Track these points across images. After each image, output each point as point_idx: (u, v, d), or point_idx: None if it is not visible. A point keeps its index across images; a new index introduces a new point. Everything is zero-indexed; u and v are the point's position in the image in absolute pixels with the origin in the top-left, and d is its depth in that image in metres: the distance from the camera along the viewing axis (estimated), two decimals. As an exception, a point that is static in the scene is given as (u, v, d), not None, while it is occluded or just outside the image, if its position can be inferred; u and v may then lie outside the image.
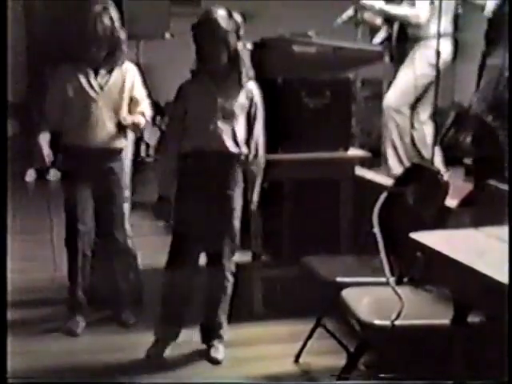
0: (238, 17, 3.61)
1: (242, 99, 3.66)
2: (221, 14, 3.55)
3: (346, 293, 3.22)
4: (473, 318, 2.85)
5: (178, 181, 3.70)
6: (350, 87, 4.65)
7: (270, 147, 4.18)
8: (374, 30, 5.58)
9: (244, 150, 3.71)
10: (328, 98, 4.27)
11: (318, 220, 4.82)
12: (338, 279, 3.43)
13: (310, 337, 3.73)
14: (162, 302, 3.79)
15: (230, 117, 3.63)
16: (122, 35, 3.94)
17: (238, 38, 3.59)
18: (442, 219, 3.26)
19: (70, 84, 3.93)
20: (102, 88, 3.92)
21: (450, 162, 5.10)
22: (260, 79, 3.89)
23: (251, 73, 3.69)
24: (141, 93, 4.06)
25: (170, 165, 3.71)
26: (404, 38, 5.20)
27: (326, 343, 3.67)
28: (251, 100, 3.69)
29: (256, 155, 3.76)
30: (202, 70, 3.65)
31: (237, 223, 3.74)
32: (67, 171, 4.07)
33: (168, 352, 3.77)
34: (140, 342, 3.81)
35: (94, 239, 4.06)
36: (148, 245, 4.79)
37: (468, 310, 2.80)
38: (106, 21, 3.83)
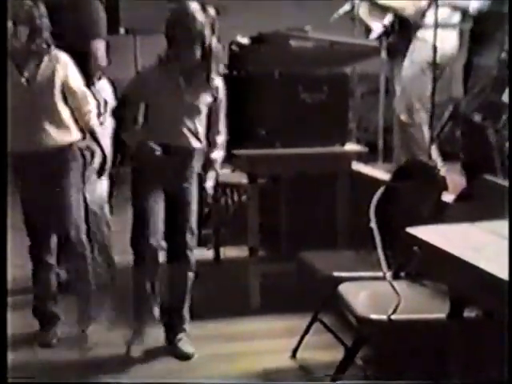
0: (212, 11, 3.55)
1: (208, 95, 3.64)
2: (195, 7, 3.50)
3: (342, 287, 3.23)
4: (469, 313, 2.86)
5: (132, 171, 3.70)
6: (347, 82, 4.65)
7: (267, 142, 4.19)
8: (370, 25, 5.57)
9: (204, 144, 3.70)
10: (325, 93, 4.27)
11: (315, 215, 4.83)
12: (335, 274, 3.43)
13: (307, 332, 3.73)
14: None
15: (194, 113, 3.62)
16: (46, 23, 3.66)
17: (213, 32, 3.54)
18: (439, 214, 3.26)
19: None
20: (28, 82, 3.68)
21: (446, 156, 5.11)
22: (257, 74, 3.91)
23: (221, 69, 3.68)
24: (76, 83, 3.79)
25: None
26: (402, 32, 5.20)
27: (323, 338, 3.67)
28: (216, 96, 3.66)
29: (213, 149, 3.75)
30: (171, 62, 3.59)
31: (193, 217, 3.70)
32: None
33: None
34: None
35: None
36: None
37: (464, 305, 2.81)
38: (30, 6, 3.61)
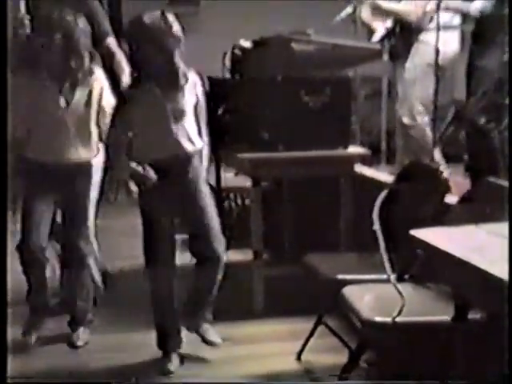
0: (170, 17, 3.50)
1: (188, 96, 3.58)
2: (151, 16, 3.47)
3: (346, 290, 3.22)
4: (473, 315, 2.86)
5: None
6: (350, 85, 4.65)
7: (270, 146, 4.19)
8: (373, 28, 5.57)
9: (199, 144, 3.66)
10: (327, 96, 4.27)
11: (319, 218, 4.83)
12: (339, 277, 3.43)
13: (311, 335, 3.73)
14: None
15: (181, 117, 3.57)
16: (88, 46, 3.76)
17: (172, 36, 3.47)
18: (442, 216, 3.26)
19: (32, 96, 3.78)
20: (66, 101, 3.76)
21: (449, 158, 5.11)
22: (259, 77, 3.90)
23: (183, 67, 3.56)
24: (109, 102, 3.84)
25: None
26: (404, 35, 5.20)
27: (328, 341, 3.67)
28: (194, 93, 3.62)
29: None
30: (143, 77, 3.56)
31: (214, 220, 3.67)
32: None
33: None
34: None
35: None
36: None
37: (469, 307, 2.81)
38: (73, 30, 3.66)
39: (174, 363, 3.66)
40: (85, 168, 3.86)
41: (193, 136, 3.63)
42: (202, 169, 3.70)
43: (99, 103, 3.82)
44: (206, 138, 3.71)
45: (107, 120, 3.80)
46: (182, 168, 3.61)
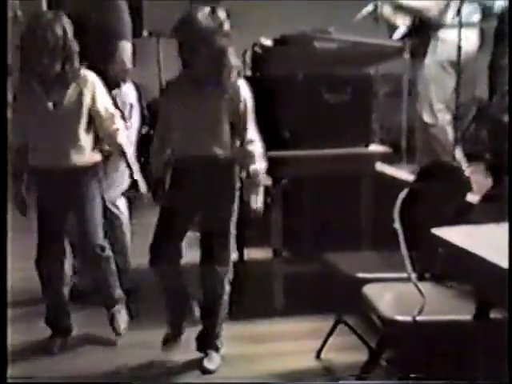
0: (221, 13, 3.42)
1: (227, 100, 3.48)
2: (202, 12, 3.38)
3: (367, 289, 3.22)
4: (495, 314, 2.84)
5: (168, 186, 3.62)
6: (371, 83, 4.63)
7: (291, 144, 4.19)
8: (393, 26, 5.56)
9: (233, 151, 3.55)
10: (348, 94, 4.26)
11: (339, 216, 4.82)
12: (360, 275, 3.43)
13: (331, 333, 3.73)
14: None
15: (217, 120, 3.49)
16: (75, 47, 3.62)
17: (224, 35, 3.40)
18: (464, 215, 3.24)
19: (26, 99, 3.71)
20: (55, 106, 3.66)
21: (471, 157, 5.08)
22: (280, 75, 3.89)
23: (238, 71, 3.51)
24: (103, 105, 3.74)
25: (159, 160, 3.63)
26: (423, 32, 5.19)
27: (348, 339, 3.67)
28: (239, 100, 3.51)
29: (250, 157, 3.56)
30: (186, 73, 3.50)
31: (231, 228, 3.62)
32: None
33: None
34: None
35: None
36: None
37: (490, 306, 2.79)
38: (58, 30, 3.55)
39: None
40: (89, 171, 3.79)
41: (225, 142, 3.53)
42: (230, 171, 3.60)
43: (92, 107, 3.70)
44: (258, 148, 3.57)
45: (107, 123, 3.73)
46: (210, 170, 3.54)
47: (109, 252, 3.90)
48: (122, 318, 3.98)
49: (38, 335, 3.95)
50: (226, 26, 3.42)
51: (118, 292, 4.00)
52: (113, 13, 4.22)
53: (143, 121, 4.66)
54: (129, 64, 4.29)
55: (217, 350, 3.71)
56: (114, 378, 3.57)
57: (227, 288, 3.68)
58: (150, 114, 5.03)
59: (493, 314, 2.83)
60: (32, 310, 4.20)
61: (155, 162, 3.65)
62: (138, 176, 3.79)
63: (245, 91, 3.53)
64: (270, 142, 4.14)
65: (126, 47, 4.27)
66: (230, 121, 3.52)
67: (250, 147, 3.54)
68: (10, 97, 3.82)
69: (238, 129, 3.54)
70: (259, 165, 3.55)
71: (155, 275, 3.67)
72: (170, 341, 3.76)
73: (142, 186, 3.78)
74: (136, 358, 3.73)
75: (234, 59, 3.47)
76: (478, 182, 3.76)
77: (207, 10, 3.39)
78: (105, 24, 4.16)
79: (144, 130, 4.79)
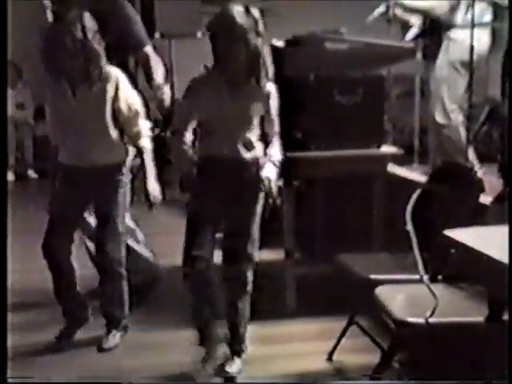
0: (256, 12, 3.38)
1: (258, 102, 3.45)
2: (237, 10, 3.33)
3: (379, 290, 3.21)
4: (508, 316, 2.83)
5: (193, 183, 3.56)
6: (383, 84, 4.62)
7: (303, 145, 4.19)
8: (406, 27, 5.56)
9: (259, 153, 3.52)
10: (360, 95, 4.25)
11: (351, 217, 4.82)
12: (372, 277, 3.42)
13: (343, 334, 3.72)
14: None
15: (245, 121, 3.46)
16: (98, 47, 3.63)
17: (258, 34, 3.36)
18: (476, 216, 3.24)
19: (53, 98, 3.78)
20: (80, 103, 3.68)
21: (483, 158, 5.07)
22: (292, 76, 3.87)
23: (271, 72, 3.46)
24: (125, 103, 3.73)
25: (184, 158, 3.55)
26: (435, 33, 5.18)
27: (360, 341, 3.66)
28: (269, 101, 3.48)
29: (271, 157, 3.52)
30: (217, 71, 3.44)
31: (255, 228, 3.56)
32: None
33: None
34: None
35: None
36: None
37: (503, 308, 2.78)
38: (78, 32, 3.55)
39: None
40: (113, 170, 3.81)
41: (254, 143, 3.50)
42: (255, 172, 3.51)
43: (115, 103, 3.71)
44: (277, 152, 3.54)
45: (130, 122, 3.74)
46: (236, 171, 3.50)
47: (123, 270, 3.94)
48: (115, 340, 3.95)
49: (38, 336, 3.99)
50: (260, 26, 3.38)
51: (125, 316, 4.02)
52: (123, 25, 4.21)
53: (155, 124, 4.67)
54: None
55: (239, 354, 3.67)
56: (115, 378, 3.58)
57: (250, 289, 3.62)
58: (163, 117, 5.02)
59: (505, 316, 2.82)
60: (33, 311, 4.27)
61: (181, 158, 3.56)
62: (152, 185, 3.79)
63: (274, 93, 3.51)
64: (281, 143, 4.15)
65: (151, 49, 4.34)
66: (259, 121, 3.51)
67: (271, 151, 3.53)
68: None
69: (264, 130, 3.53)
70: (271, 173, 3.48)
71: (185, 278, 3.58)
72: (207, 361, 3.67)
73: (157, 196, 3.78)
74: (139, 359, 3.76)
75: (268, 60, 3.44)
76: (491, 184, 3.76)
77: (241, 8, 3.35)
78: (128, 30, 4.20)
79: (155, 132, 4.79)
